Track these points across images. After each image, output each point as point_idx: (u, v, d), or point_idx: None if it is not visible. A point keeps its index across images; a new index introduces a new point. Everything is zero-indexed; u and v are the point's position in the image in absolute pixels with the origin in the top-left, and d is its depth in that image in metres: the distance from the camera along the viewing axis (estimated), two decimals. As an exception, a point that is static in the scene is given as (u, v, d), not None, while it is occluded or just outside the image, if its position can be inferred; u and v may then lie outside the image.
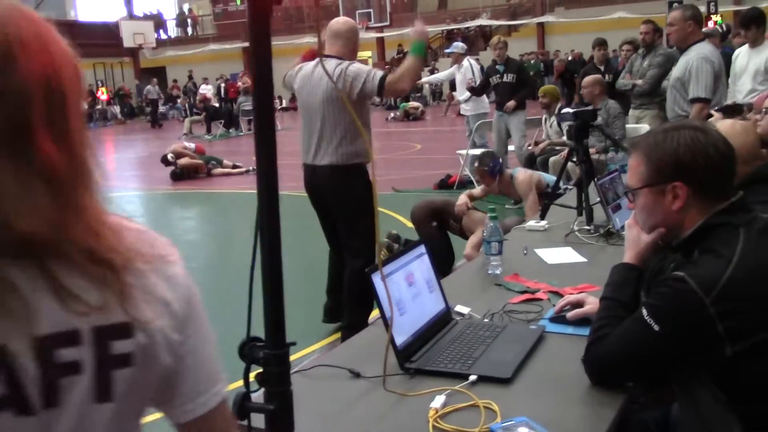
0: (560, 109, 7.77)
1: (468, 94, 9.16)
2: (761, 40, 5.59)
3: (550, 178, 5.69)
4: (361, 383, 1.82)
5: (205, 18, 36.03)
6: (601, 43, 8.70)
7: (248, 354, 1.09)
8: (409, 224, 5.27)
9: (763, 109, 3.01)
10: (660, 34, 7.24)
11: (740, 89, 5.65)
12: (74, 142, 0.82)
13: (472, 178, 8.95)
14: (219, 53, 30.56)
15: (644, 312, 1.60)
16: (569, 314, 2.10)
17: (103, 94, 30.09)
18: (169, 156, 12.17)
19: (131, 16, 33.43)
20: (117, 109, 30.20)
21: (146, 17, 34.16)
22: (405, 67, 4.02)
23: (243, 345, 1.10)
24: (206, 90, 24.54)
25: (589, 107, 6.23)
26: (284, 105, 25.76)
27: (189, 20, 36.45)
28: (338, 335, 4.30)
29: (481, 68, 10.69)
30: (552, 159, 7.35)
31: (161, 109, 27.56)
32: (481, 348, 1.94)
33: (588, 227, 3.26)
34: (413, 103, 22.28)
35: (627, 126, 7.02)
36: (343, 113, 3.82)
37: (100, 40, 30.89)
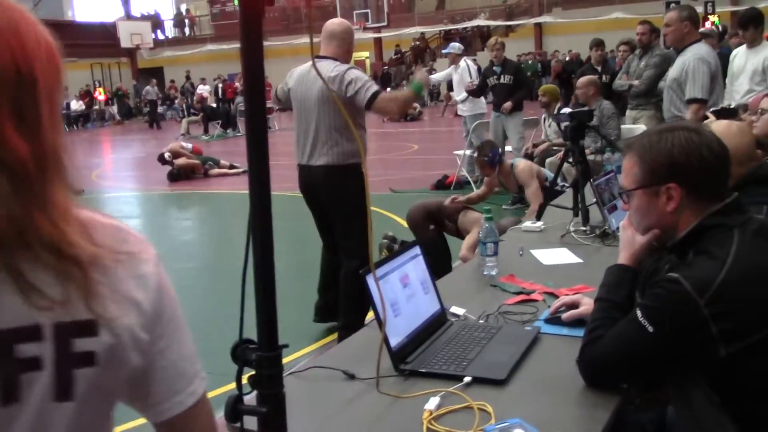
0: (559, 110, 7.77)
1: (465, 94, 9.17)
2: (759, 41, 5.60)
3: (549, 173, 5.70)
4: (355, 385, 1.81)
5: (202, 18, 36.01)
6: (598, 44, 8.71)
7: (240, 356, 1.08)
8: (406, 225, 5.27)
9: (759, 111, 3.01)
10: (657, 35, 7.25)
11: (738, 90, 5.66)
12: (45, 135, 0.79)
13: (469, 179, 8.97)
14: (216, 54, 30.55)
15: (638, 313, 1.60)
16: (564, 315, 2.10)
17: (100, 95, 30.08)
18: (166, 155, 12.16)
19: (128, 16, 33.38)
20: (115, 109, 30.18)
21: (143, 17, 34.12)
22: (400, 95, 4.08)
23: (235, 347, 1.09)
24: (204, 90, 24.55)
25: (585, 108, 6.23)
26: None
27: (186, 20, 36.43)
28: (333, 337, 4.31)
29: (478, 69, 10.69)
30: (548, 160, 7.36)
31: (159, 109, 27.55)
32: (476, 349, 1.94)
33: (584, 228, 3.26)
34: (411, 104, 22.25)
35: (624, 126, 7.03)
36: (339, 113, 3.82)
37: (97, 40, 30.93)
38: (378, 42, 30.38)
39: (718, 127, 2.26)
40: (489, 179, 5.45)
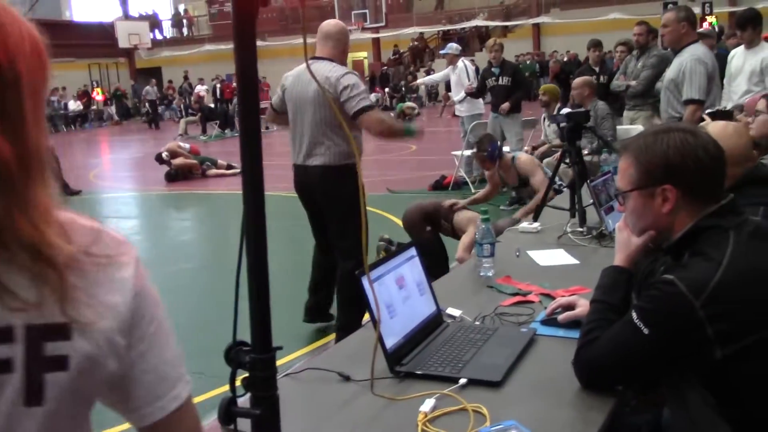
0: (558, 110, 7.77)
1: (463, 94, 9.16)
2: (757, 41, 5.60)
3: (548, 171, 5.69)
4: (350, 386, 1.81)
5: (200, 18, 36.00)
6: (596, 45, 8.71)
7: (234, 358, 1.08)
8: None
9: (755, 112, 3.01)
10: (654, 36, 7.25)
11: (735, 90, 5.66)
12: (28, 134, 0.77)
13: (467, 179, 8.97)
14: (214, 54, 30.52)
15: (634, 315, 1.59)
16: (560, 317, 2.09)
17: (98, 95, 30.05)
18: (164, 154, 12.15)
19: (126, 16, 33.36)
20: (113, 109, 30.16)
21: (142, 18, 34.10)
22: (390, 122, 4.11)
23: (229, 349, 1.09)
24: (201, 90, 24.54)
25: (581, 108, 6.23)
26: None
27: (184, 21, 36.42)
28: (328, 338, 4.30)
29: (476, 69, 10.69)
30: (545, 160, 7.35)
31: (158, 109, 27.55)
32: (471, 351, 1.94)
33: (581, 229, 3.25)
34: (409, 104, 22.28)
35: (621, 127, 7.03)
36: (335, 113, 3.81)
37: (95, 40, 30.91)
38: (376, 42, 30.38)
39: (715, 128, 2.26)
40: (491, 175, 5.43)
